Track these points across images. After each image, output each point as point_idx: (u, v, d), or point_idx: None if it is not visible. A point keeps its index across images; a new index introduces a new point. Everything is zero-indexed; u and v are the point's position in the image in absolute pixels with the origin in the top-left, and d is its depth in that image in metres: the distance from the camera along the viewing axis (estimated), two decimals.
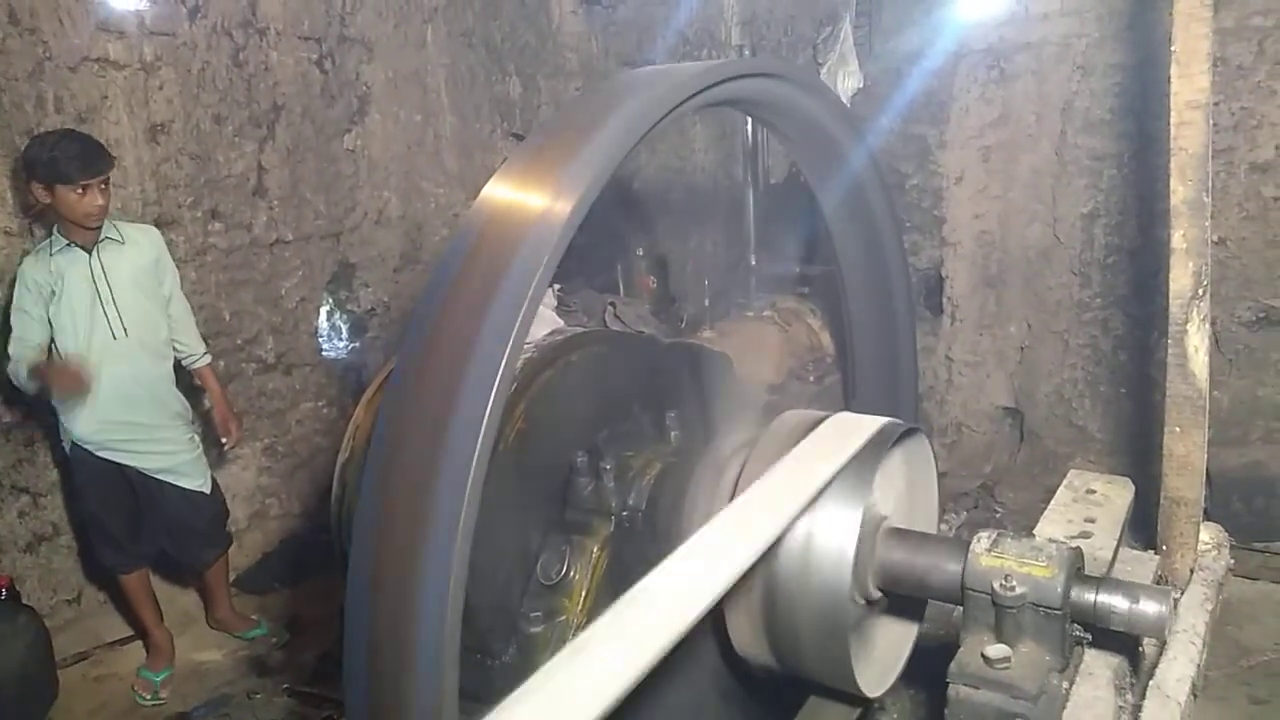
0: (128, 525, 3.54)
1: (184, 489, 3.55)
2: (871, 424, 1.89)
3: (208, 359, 3.68)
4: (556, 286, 3.52)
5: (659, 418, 2.26)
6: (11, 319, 3.26)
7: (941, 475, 2.15)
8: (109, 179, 3.27)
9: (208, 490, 3.64)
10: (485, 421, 1.25)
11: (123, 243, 3.37)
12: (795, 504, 1.57)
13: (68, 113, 3.58)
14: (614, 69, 5.33)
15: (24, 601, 3.49)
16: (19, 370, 3.22)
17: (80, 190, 3.16)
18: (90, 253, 3.29)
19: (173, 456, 3.52)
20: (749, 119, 4.08)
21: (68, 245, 3.26)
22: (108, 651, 3.82)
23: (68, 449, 3.43)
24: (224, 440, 3.76)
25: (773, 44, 4.92)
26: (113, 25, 3.72)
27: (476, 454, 1.24)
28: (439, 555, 1.24)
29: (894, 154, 4.38)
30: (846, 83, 4.46)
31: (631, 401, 2.28)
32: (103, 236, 3.31)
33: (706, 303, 4.27)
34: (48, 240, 3.29)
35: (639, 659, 1.16)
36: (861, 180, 2.50)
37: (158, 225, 3.86)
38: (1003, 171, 4.23)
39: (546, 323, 2.39)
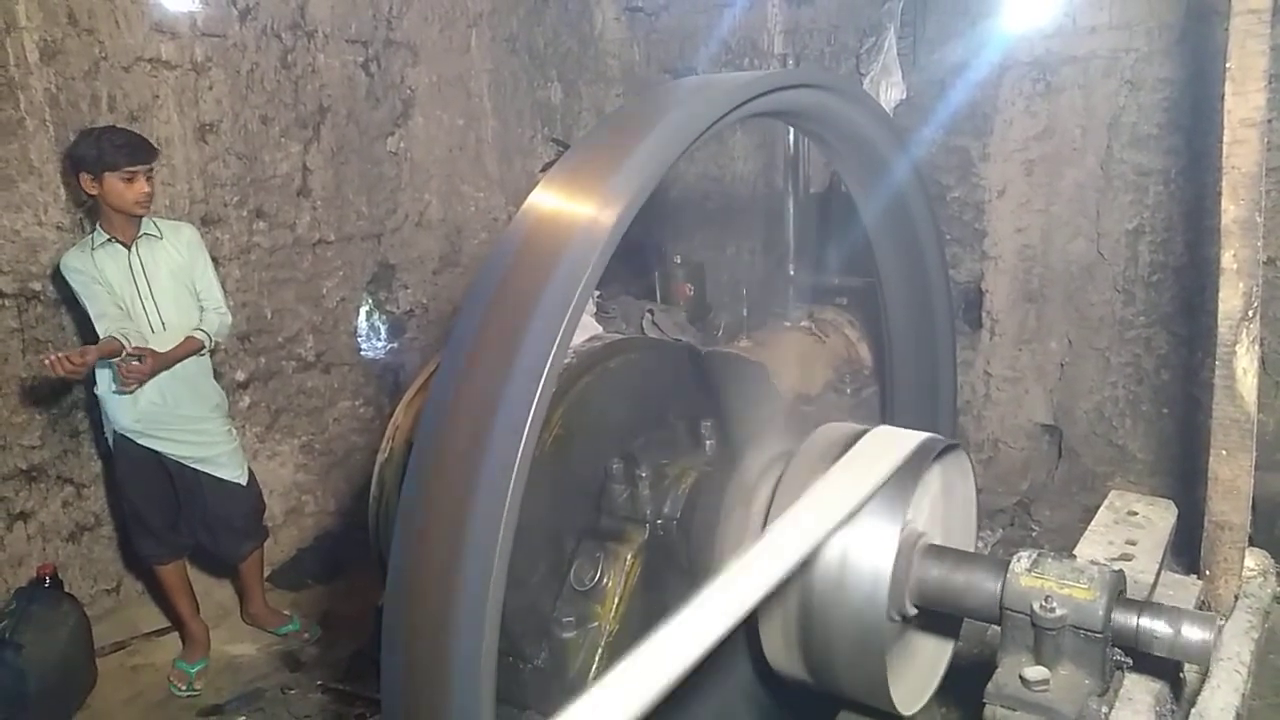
0: (166, 517, 3.62)
1: (221, 480, 3.61)
2: (911, 439, 1.88)
3: (200, 335, 3.49)
4: (596, 293, 3.53)
5: (695, 426, 2.25)
6: (86, 304, 3.30)
7: (977, 491, 2.12)
8: (153, 170, 3.37)
9: (244, 482, 3.70)
10: (528, 428, 1.25)
11: (160, 238, 3.44)
12: (833, 518, 1.57)
13: (120, 111, 3.66)
14: (656, 76, 5.33)
15: (66, 590, 3.56)
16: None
17: (128, 177, 3.25)
18: (130, 248, 3.37)
19: (211, 447, 3.59)
20: (791, 128, 4.06)
21: (109, 241, 3.34)
22: (145, 642, 3.88)
23: (110, 440, 3.51)
24: (127, 366, 3.25)
25: (815, 53, 4.90)
26: (166, 26, 3.79)
27: (518, 460, 1.24)
28: (479, 559, 1.25)
29: (936, 166, 4.34)
30: (889, 93, 4.42)
31: (668, 410, 2.28)
32: (141, 232, 3.39)
33: (744, 312, 4.25)
34: (90, 236, 3.37)
35: (671, 668, 1.17)
36: (904, 191, 2.48)
37: (204, 223, 3.94)
38: (1046, 185, 4.17)
39: (585, 329, 2.40)
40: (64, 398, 3.67)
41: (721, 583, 1.36)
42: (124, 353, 3.22)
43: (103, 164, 3.23)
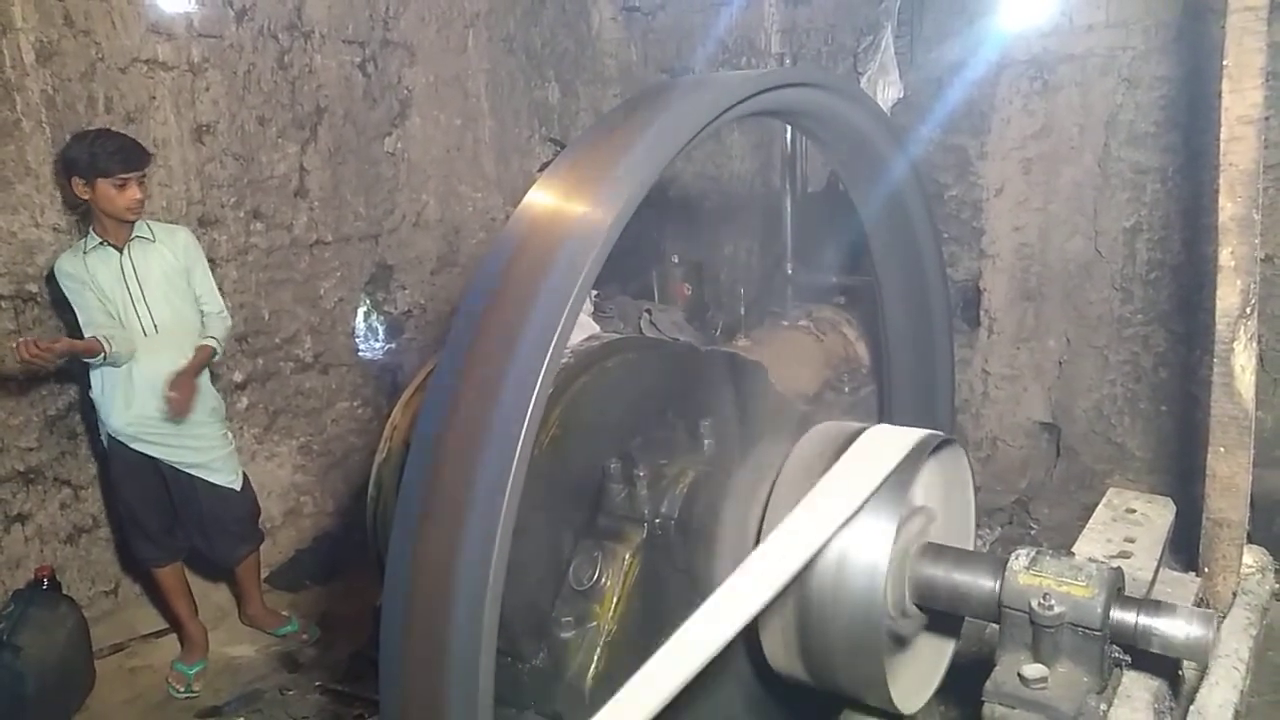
0: (162, 519, 3.61)
1: (215, 485, 3.60)
2: (909, 437, 1.88)
3: (211, 343, 3.54)
4: (594, 293, 3.53)
5: (693, 426, 2.25)
6: (76, 311, 3.32)
7: (976, 490, 2.12)
8: (146, 175, 3.35)
9: (238, 487, 3.69)
10: (525, 427, 1.25)
11: (153, 241, 3.43)
12: (834, 521, 1.56)
13: (117, 113, 3.65)
14: (653, 76, 5.33)
15: (64, 592, 3.55)
16: (115, 349, 3.26)
17: (120, 184, 3.23)
18: (122, 251, 3.36)
19: (205, 452, 3.57)
20: (788, 127, 4.06)
21: (101, 244, 3.33)
22: (143, 643, 3.88)
23: (105, 442, 3.51)
24: (167, 396, 3.40)
25: (813, 53, 4.90)
26: (162, 27, 3.79)
27: (516, 460, 1.24)
28: (477, 559, 1.24)
29: (934, 164, 4.34)
30: (887, 92, 4.42)
31: (666, 409, 2.28)
32: (134, 235, 3.38)
33: (742, 311, 4.25)
34: (82, 240, 3.37)
35: (677, 671, 1.17)
36: (901, 190, 2.48)
37: (201, 224, 3.94)
38: (1044, 184, 4.17)
39: (583, 328, 2.40)
40: (61, 399, 3.67)
41: (726, 591, 1.36)
42: (103, 355, 3.23)
43: (95, 169, 3.21)
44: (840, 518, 1.61)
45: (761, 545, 1.51)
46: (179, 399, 3.38)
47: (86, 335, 3.27)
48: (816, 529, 1.56)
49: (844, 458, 1.82)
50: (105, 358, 3.26)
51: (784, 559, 1.45)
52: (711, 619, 1.28)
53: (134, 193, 3.28)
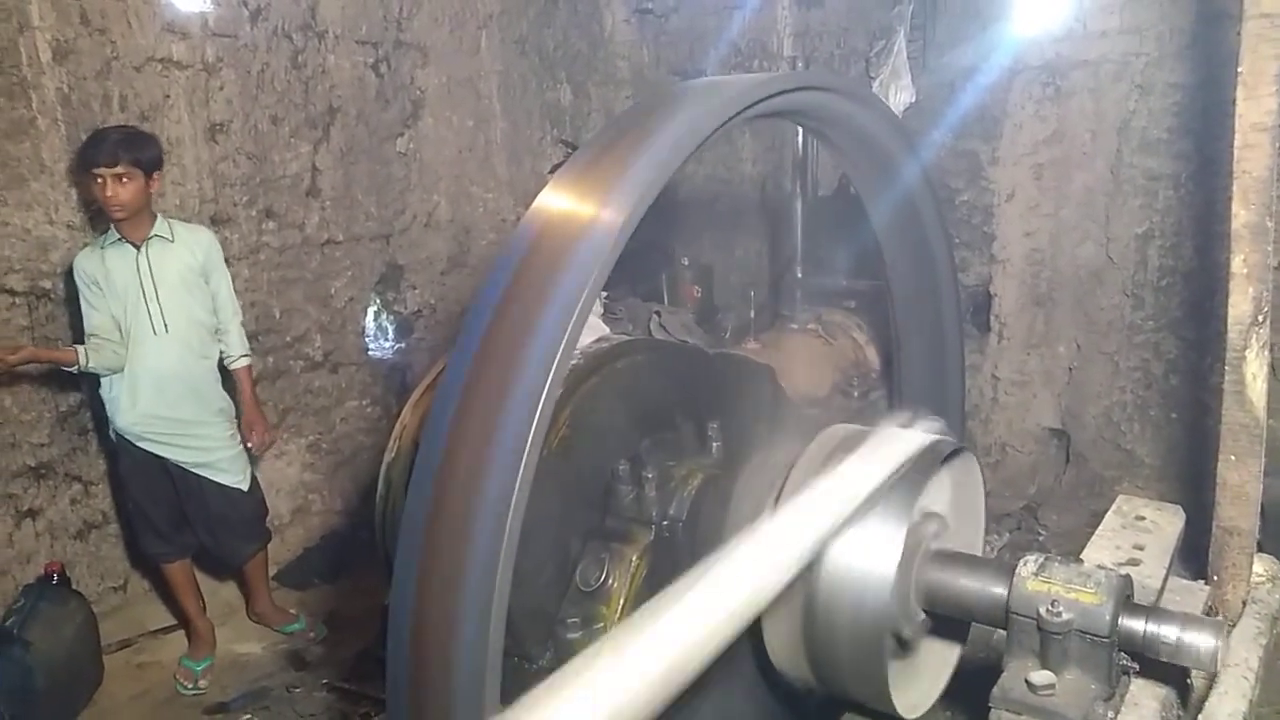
0: (170, 516, 3.61)
1: (222, 485, 3.60)
2: (920, 439, 1.87)
3: (246, 361, 3.66)
4: (604, 294, 3.53)
5: (701, 428, 2.25)
6: (84, 314, 3.36)
7: (984, 495, 2.12)
8: (124, 175, 3.22)
9: (245, 487, 3.68)
10: (534, 428, 1.25)
11: (172, 241, 3.42)
12: (837, 517, 1.56)
13: (131, 111, 3.67)
14: (665, 78, 5.34)
15: (73, 587, 3.57)
16: (94, 363, 3.30)
17: (98, 180, 3.21)
18: (139, 249, 3.36)
19: (211, 452, 3.57)
20: (799, 130, 4.06)
21: (119, 240, 3.34)
22: (151, 639, 3.90)
23: (113, 439, 3.52)
24: (248, 444, 3.68)
25: (825, 56, 4.90)
26: (178, 27, 3.81)
27: (524, 460, 1.24)
28: (484, 559, 1.25)
29: (945, 169, 4.33)
30: (899, 97, 4.42)
31: (674, 411, 2.28)
32: (152, 233, 3.38)
33: (751, 314, 4.26)
34: (103, 235, 3.39)
35: (677, 673, 1.16)
36: (913, 195, 2.48)
37: (214, 223, 3.96)
38: (1055, 189, 4.16)
39: (593, 330, 2.39)
40: (72, 395, 3.69)
41: (723, 585, 1.35)
42: (77, 367, 3.28)
43: (80, 161, 3.26)
44: (845, 511, 1.61)
45: (762, 532, 1.50)
46: (259, 434, 3.70)
47: (86, 338, 3.30)
48: (820, 523, 1.56)
49: (855, 453, 1.82)
50: (80, 369, 3.29)
51: (787, 552, 1.44)
52: (709, 618, 1.27)
53: (106, 188, 3.20)
